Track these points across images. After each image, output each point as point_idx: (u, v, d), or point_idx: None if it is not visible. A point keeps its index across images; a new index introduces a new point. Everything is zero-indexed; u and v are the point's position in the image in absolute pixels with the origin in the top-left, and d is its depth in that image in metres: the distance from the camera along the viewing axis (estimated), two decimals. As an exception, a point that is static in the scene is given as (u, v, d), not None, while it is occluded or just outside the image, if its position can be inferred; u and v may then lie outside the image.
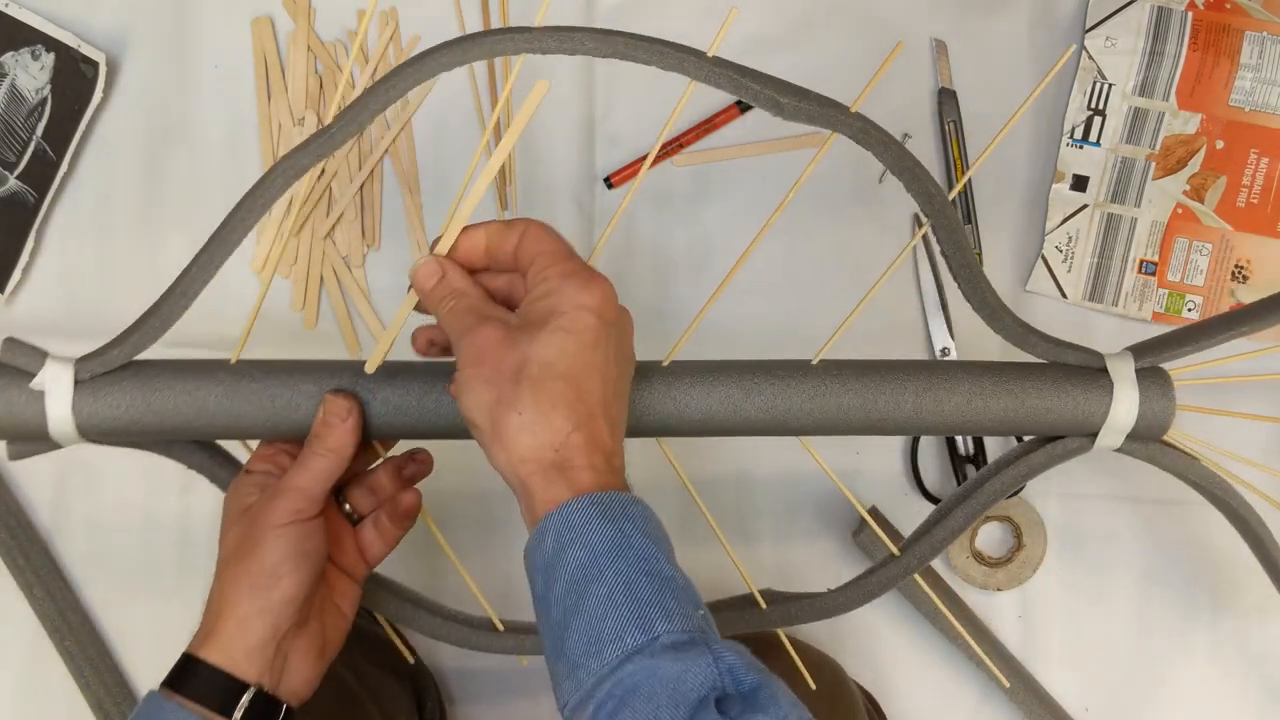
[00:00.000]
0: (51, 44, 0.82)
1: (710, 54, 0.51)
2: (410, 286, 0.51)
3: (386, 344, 0.53)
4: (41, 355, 0.52)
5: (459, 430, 0.53)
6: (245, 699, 0.49)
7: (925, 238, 0.85)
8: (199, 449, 0.57)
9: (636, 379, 0.53)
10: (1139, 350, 0.58)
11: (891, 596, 0.83)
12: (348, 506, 0.57)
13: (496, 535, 0.84)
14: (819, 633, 0.84)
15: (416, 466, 0.57)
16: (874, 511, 0.81)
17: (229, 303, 0.84)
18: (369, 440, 0.55)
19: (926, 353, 0.85)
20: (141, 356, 0.53)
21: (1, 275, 0.82)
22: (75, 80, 0.82)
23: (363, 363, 0.54)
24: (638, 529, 0.44)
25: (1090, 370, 0.57)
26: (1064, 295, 0.85)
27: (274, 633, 0.50)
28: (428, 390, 0.53)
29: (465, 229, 0.50)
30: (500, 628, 0.61)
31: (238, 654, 0.50)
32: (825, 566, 0.84)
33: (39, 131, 0.82)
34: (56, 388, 0.51)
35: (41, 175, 0.82)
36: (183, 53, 0.85)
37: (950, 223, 0.55)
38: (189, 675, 0.50)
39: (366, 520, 0.57)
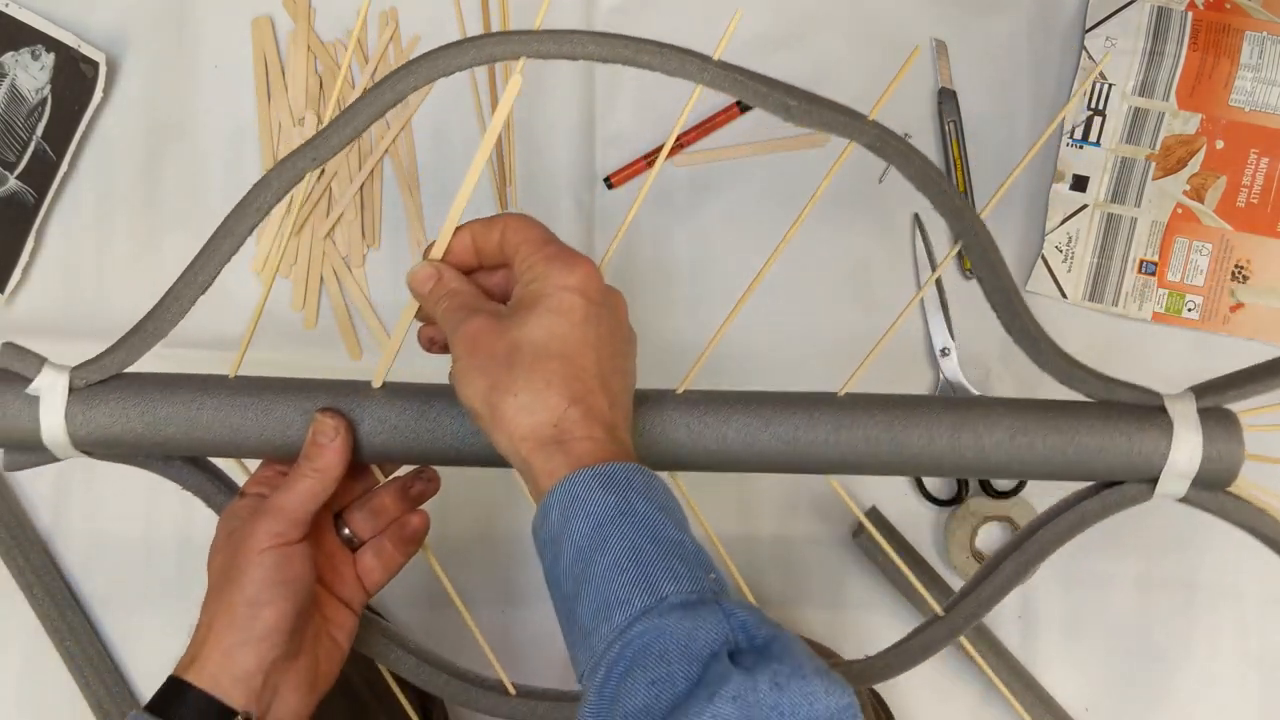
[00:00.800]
0: (51, 44, 0.82)
1: (716, 57, 0.50)
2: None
3: (391, 355, 0.52)
4: (39, 361, 0.52)
5: (460, 454, 0.52)
6: None
7: (924, 236, 0.85)
8: (196, 470, 0.56)
9: (647, 407, 0.52)
10: (1201, 390, 0.53)
11: (891, 597, 0.83)
12: (347, 531, 0.55)
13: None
14: (820, 632, 0.84)
15: (424, 485, 0.56)
16: (873, 512, 0.81)
17: (229, 303, 0.84)
18: (362, 461, 0.54)
19: (927, 353, 0.85)
20: (141, 368, 0.53)
21: (1, 275, 0.82)
22: (75, 80, 0.82)
23: (366, 382, 0.53)
24: (641, 496, 0.43)
25: (1146, 409, 0.52)
26: (1064, 295, 0.85)
27: (260, 664, 0.49)
28: (426, 409, 0.52)
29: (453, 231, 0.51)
30: (512, 690, 0.58)
31: (224, 681, 0.49)
32: (825, 567, 0.84)
33: (39, 131, 0.82)
34: (51, 394, 0.51)
35: (41, 175, 0.82)
36: (183, 53, 0.85)
37: (983, 242, 0.52)
38: (175, 699, 0.49)
39: (367, 545, 0.56)
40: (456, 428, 0.52)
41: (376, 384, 0.53)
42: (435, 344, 0.53)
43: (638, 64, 0.50)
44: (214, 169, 0.85)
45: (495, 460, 0.51)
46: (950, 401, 0.53)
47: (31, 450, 0.53)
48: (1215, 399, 0.52)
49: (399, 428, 0.52)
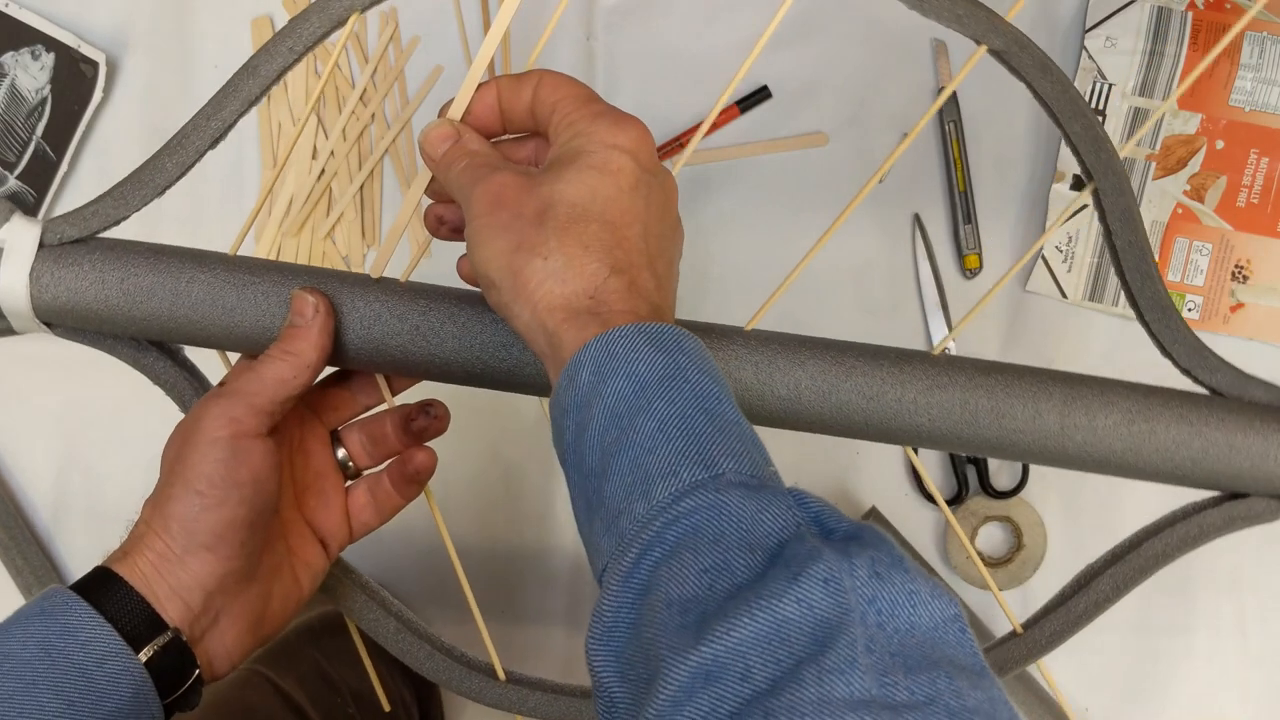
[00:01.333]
0: (51, 44, 0.82)
1: None
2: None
3: (395, 236, 0.45)
4: (8, 208, 0.45)
5: (489, 370, 0.45)
6: (161, 640, 0.41)
7: (924, 236, 0.85)
8: (171, 363, 0.48)
9: (709, 340, 0.45)
10: None
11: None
12: (342, 453, 0.49)
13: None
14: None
15: (427, 420, 0.48)
16: (874, 513, 0.81)
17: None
18: (377, 370, 0.47)
19: (926, 353, 0.85)
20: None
21: (1, 275, 0.83)
22: (75, 80, 0.82)
23: (391, 279, 0.46)
24: (695, 365, 0.35)
25: None
26: (1064, 295, 0.85)
27: (199, 579, 0.42)
28: (455, 312, 0.45)
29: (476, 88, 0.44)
30: (501, 676, 0.50)
31: (159, 589, 0.42)
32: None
33: (39, 131, 0.82)
34: (19, 244, 0.44)
35: (41, 175, 0.82)
36: (183, 53, 0.85)
37: (1120, 184, 0.45)
38: (103, 590, 0.41)
39: (362, 480, 0.49)
40: (488, 337, 0.45)
41: (375, 273, 0.46)
42: (445, 224, 0.46)
43: None
44: (214, 169, 0.85)
45: (528, 380, 0.45)
46: (1059, 373, 0.46)
47: None
48: None
49: (420, 329, 0.45)
